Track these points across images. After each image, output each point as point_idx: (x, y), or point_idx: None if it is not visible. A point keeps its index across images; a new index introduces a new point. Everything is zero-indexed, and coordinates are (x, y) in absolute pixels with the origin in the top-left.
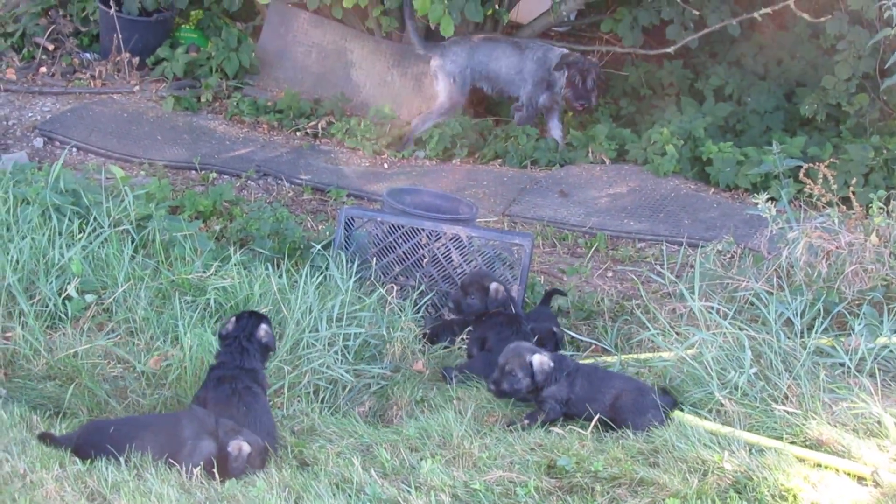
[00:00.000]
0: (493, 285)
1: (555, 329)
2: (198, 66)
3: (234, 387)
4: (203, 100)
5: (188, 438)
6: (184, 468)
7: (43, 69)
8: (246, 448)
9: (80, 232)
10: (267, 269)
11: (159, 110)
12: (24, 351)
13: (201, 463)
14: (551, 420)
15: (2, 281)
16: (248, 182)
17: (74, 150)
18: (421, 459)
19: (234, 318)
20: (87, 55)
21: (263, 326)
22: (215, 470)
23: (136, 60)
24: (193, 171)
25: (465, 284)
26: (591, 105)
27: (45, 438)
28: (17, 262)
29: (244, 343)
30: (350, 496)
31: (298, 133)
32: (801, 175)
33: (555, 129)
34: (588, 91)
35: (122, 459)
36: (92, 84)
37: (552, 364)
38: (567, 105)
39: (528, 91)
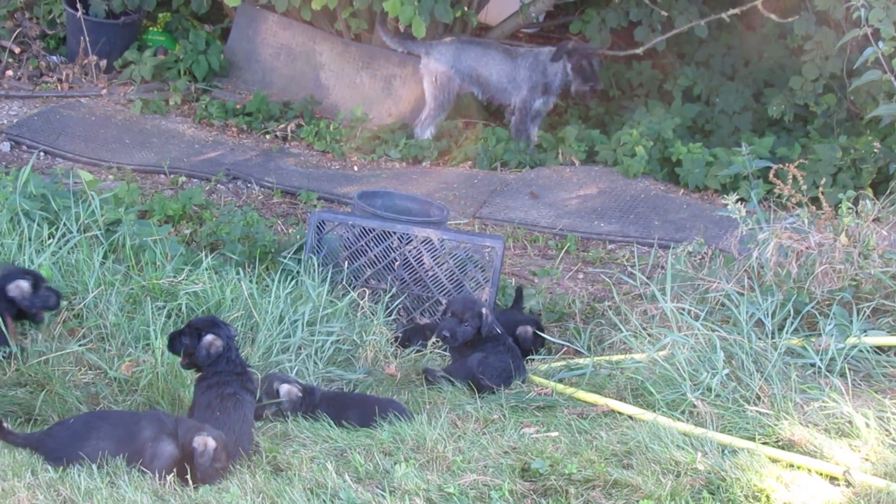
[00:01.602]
0: (484, 310)
1: (533, 329)
2: (166, 69)
3: (221, 392)
4: (171, 103)
5: (147, 440)
6: (149, 472)
7: (9, 72)
8: (211, 443)
9: (49, 237)
10: (238, 273)
11: (127, 113)
12: None
13: (165, 466)
14: None
15: None
16: (218, 185)
17: (42, 154)
18: (395, 463)
19: (211, 336)
20: (54, 58)
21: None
22: (187, 476)
23: (103, 63)
24: (162, 175)
25: (459, 312)
26: (598, 88)
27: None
28: None
29: (235, 347)
30: (324, 501)
31: (268, 136)
32: (770, 176)
33: (531, 132)
34: (596, 74)
35: (94, 467)
36: (59, 87)
37: (300, 394)
38: (577, 92)
39: (522, 97)
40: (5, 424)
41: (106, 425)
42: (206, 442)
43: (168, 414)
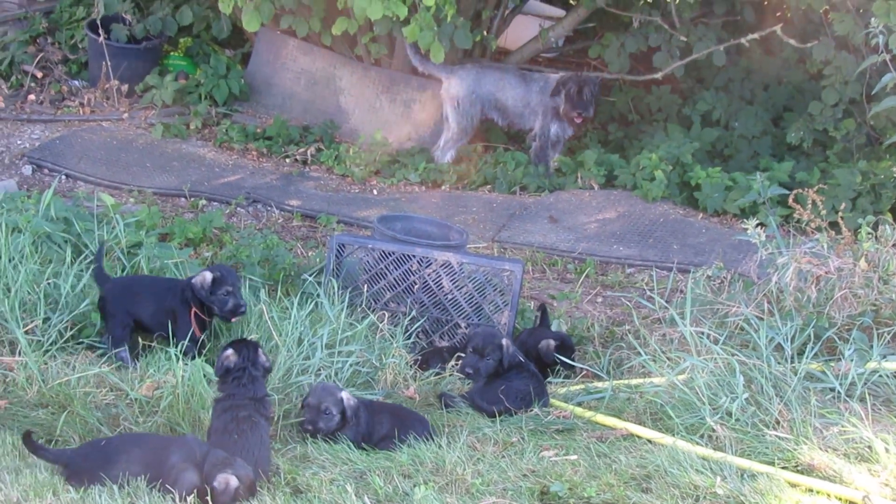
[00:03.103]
0: (504, 341)
1: (556, 343)
2: (187, 94)
3: (236, 415)
4: (192, 127)
5: (173, 466)
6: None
7: (32, 97)
8: (234, 482)
9: (72, 261)
10: (258, 296)
11: (148, 137)
12: (18, 379)
13: (184, 493)
14: None
15: None
16: (238, 209)
17: (64, 177)
18: (414, 486)
19: (230, 350)
20: (76, 83)
21: (261, 351)
22: (208, 498)
23: (125, 88)
24: (183, 199)
25: (480, 347)
26: (589, 115)
27: (28, 442)
28: (10, 290)
29: (252, 372)
30: None
31: (288, 160)
32: (790, 201)
33: (550, 158)
34: (585, 102)
35: (115, 487)
36: (81, 111)
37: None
38: (566, 119)
39: (540, 123)
40: (36, 439)
41: (136, 450)
42: (227, 481)
43: (201, 442)
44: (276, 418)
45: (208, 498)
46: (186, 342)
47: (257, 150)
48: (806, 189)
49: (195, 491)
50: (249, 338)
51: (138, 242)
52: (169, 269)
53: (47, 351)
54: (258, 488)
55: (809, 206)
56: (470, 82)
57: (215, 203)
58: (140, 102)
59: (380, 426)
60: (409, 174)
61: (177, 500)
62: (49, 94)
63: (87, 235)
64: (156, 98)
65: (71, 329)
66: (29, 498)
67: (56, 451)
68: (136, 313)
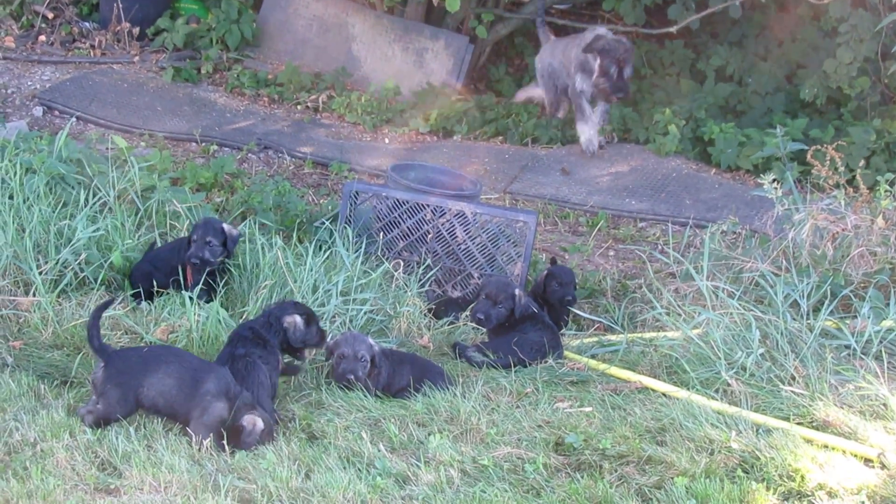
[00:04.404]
0: (517, 291)
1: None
2: (198, 38)
3: (233, 351)
4: (203, 71)
5: (207, 392)
6: (193, 421)
7: (42, 38)
8: (260, 425)
9: (85, 202)
10: (274, 241)
11: (159, 81)
12: (33, 320)
13: (210, 424)
14: None
15: (13, 247)
16: (249, 155)
17: (74, 119)
18: (429, 434)
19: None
20: (87, 24)
21: (297, 318)
22: (223, 441)
23: (136, 31)
24: (194, 143)
25: (493, 295)
26: (628, 96)
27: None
28: (25, 230)
29: (272, 320)
30: (360, 470)
31: (299, 106)
32: (808, 157)
33: (590, 123)
34: (625, 83)
35: (132, 429)
36: (91, 54)
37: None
38: (603, 95)
39: (574, 79)
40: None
41: (176, 364)
42: (255, 422)
43: (234, 380)
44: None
45: (224, 442)
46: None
47: (269, 97)
48: (825, 145)
49: (220, 423)
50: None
51: (152, 186)
52: (182, 214)
53: (63, 292)
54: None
55: (827, 162)
56: (546, 55)
57: (226, 148)
58: (151, 46)
59: (400, 378)
60: (420, 124)
61: (193, 443)
62: (60, 36)
63: (100, 178)
64: (167, 41)
65: (83, 271)
66: (46, 438)
67: (102, 344)
68: None
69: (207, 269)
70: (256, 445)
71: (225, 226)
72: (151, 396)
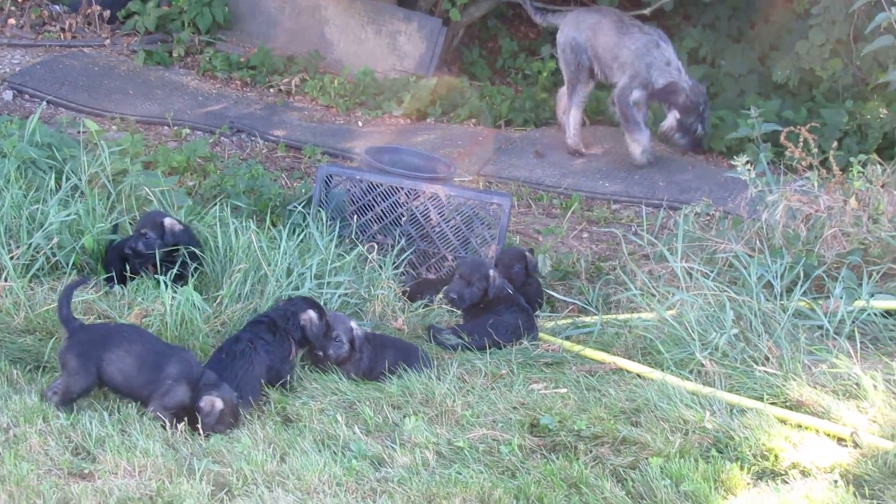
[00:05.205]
0: (492, 272)
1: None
2: (170, 21)
3: (237, 336)
4: (175, 55)
5: (168, 376)
6: (152, 402)
7: (11, 21)
8: (219, 405)
9: (56, 186)
10: (247, 225)
11: (131, 65)
12: (5, 305)
13: (171, 407)
14: None
15: None
16: (222, 138)
17: (45, 103)
18: (404, 417)
19: (313, 313)
20: (57, 7)
21: (313, 316)
22: (198, 424)
23: (106, 14)
24: (166, 127)
25: (466, 275)
26: (702, 149)
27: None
28: None
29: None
30: (335, 452)
31: (272, 90)
32: (781, 138)
33: (645, 132)
34: (700, 138)
35: (105, 414)
36: (62, 37)
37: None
38: (669, 143)
39: (622, 83)
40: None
41: (140, 344)
42: (213, 402)
43: (199, 363)
44: None
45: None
46: None
47: (241, 80)
48: (798, 127)
49: (180, 407)
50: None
51: (123, 170)
52: (154, 198)
53: (35, 276)
54: (248, 416)
55: (800, 144)
56: (570, 29)
57: (199, 132)
58: (122, 29)
59: (382, 362)
60: (393, 107)
61: (168, 428)
62: (29, 19)
63: (73, 162)
64: (138, 25)
65: (55, 255)
66: (19, 423)
67: (69, 316)
68: None
69: (146, 260)
70: (221, 426)
71: (167, 220)
72: (111, 372)
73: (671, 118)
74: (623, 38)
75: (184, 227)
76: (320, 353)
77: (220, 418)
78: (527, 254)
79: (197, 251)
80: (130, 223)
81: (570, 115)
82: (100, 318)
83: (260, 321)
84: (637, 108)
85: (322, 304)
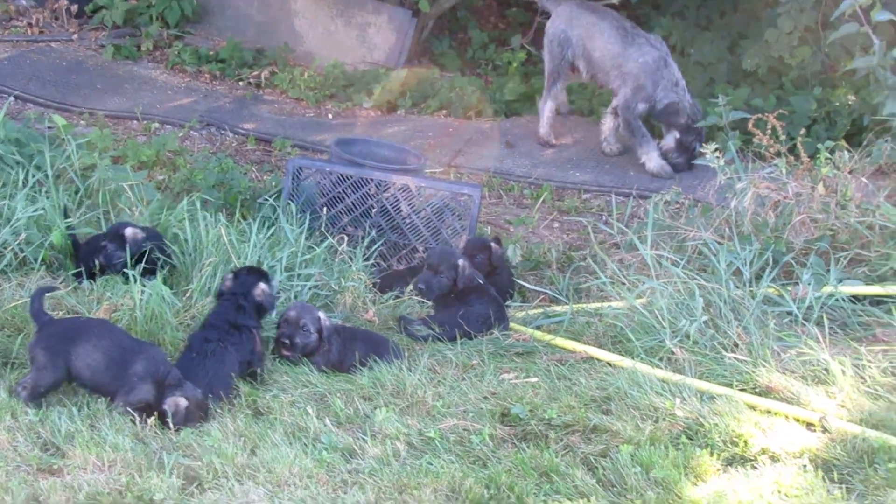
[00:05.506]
0: (461, 262)
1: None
2: (138, 14)
3: (205, 335)
4: (144, 48)
5: (134, 374)
6: (118, 398)
7: None
8: (182, 404)
9: (23, 182)
10: (217, 218)
11: (99, 59)
12: None
13: (134, 402)
14: None
15: None
16: (191, 132)
17: (13, 99)
18: (375, 408)
19: (231, 274)
20: (24, 2)
21: (262, 286)
22: (167, 418)
23: (74, 8)
24: (135, 121)
25: (434, 264)
26: (695, 166)
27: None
28: None
29: (241, 301)
30: (306, 445)
31: (241, 83)
32: (749, 126)
33: (652, 144)
34: (696, 154)
35: (75, 409)
36: (29, 32)
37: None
38: (670, 161)
39: (626, 95)
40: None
41: (109, 340)
42: (176, 403)
43: (167, 361)
44: None
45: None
46: None
47: (210, 73)
48: (766, 115)
49: (143, 406)
50: (262, 266)
51: (92, 165)
52: (124, 192)
53: (3, 272)
54: (218, 409)
55: (769, 131)
56: (561, 21)
57: (168, 126)
58: (90, 23)
59: (351, 354)
60: (364, 98)
61: (137, 422)
62: None
63: (40, 157)
64: (106, 19)
65: (23, 251)
66: None
67: (40, 311)
68: None
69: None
70: (190, 422)
71: (128, 230)
72: (79, 367)
73: (670, 139)
74: (629, 48)
75: (148, 231)
76: (286, 342)
77: (187, 416)
78: (491, 244)
79: (165, 249)
80: (101, 218)
81: (546, 106)
82: (69, 314)
83: (215, 325)
84: (639, 118)
85: (293, 295)
